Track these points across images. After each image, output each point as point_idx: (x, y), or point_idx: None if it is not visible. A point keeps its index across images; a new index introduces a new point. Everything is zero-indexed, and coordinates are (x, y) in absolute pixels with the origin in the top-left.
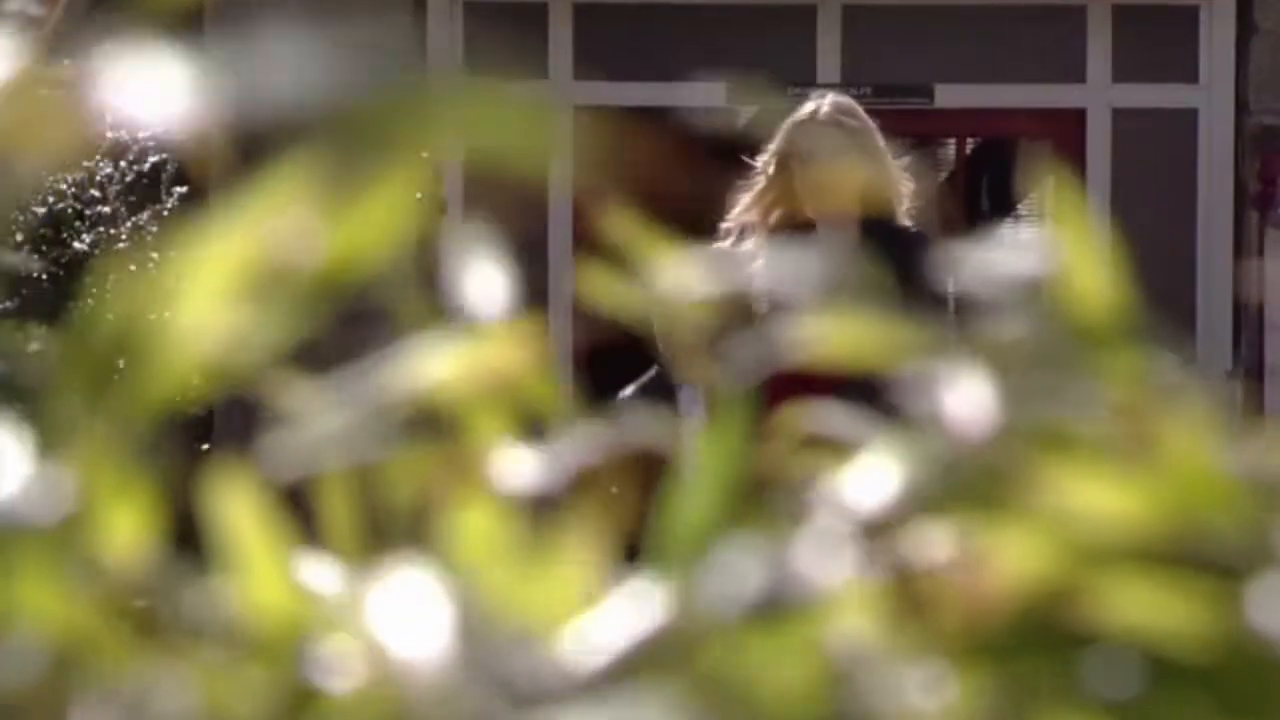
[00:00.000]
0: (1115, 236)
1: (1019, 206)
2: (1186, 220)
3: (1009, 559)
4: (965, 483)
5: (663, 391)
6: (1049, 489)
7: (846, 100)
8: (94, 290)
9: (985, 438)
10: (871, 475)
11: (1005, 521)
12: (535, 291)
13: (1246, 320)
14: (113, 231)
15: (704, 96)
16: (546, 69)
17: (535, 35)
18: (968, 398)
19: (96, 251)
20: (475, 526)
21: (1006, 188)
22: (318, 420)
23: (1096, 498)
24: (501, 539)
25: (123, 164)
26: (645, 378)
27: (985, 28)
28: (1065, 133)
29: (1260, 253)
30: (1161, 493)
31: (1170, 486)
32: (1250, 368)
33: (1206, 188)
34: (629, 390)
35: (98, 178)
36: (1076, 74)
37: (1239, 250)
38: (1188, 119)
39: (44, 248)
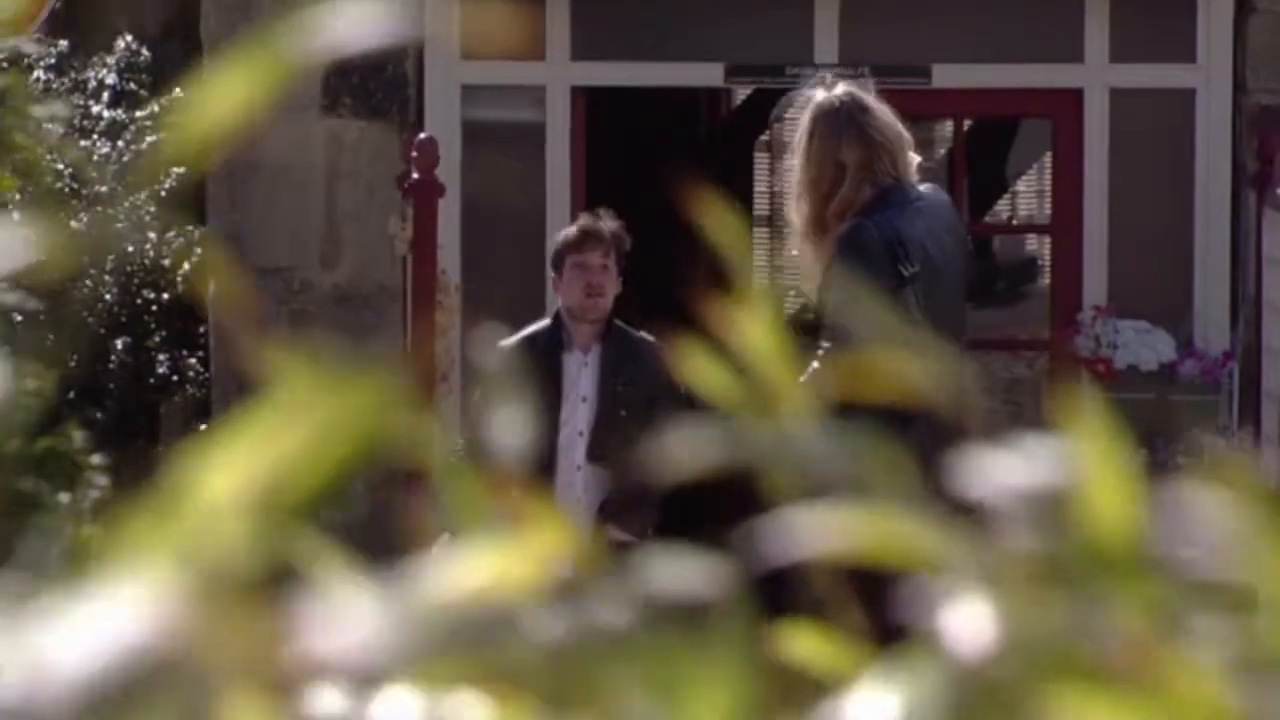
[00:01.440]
0: (1113, 222)
1: (1015, 186)
2: (1184, 200)
3: None
4: (968, 706)
5: (551, 348)
6: (1054, 715)
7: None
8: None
9: (989, 658)
10: (872, 702)
11: None
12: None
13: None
14: (109, 211)
15: (702, 77)
16: (544, 50)
17: (532, 15)
18: (974, 615)
19: (93, 232)
20: None
21: (1003, 167)
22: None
23: None
24: None
25: (119, 143)
26: (533, 329)
27: (982, 7)
28: (1063, 113)
29: (1258, 232)
30: None
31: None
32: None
33: (1204, 167)
34: (511, 340)
35: (94, 157)
36: (1074, 54)
37: (1236, 230)
38: (1185, 99)
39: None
